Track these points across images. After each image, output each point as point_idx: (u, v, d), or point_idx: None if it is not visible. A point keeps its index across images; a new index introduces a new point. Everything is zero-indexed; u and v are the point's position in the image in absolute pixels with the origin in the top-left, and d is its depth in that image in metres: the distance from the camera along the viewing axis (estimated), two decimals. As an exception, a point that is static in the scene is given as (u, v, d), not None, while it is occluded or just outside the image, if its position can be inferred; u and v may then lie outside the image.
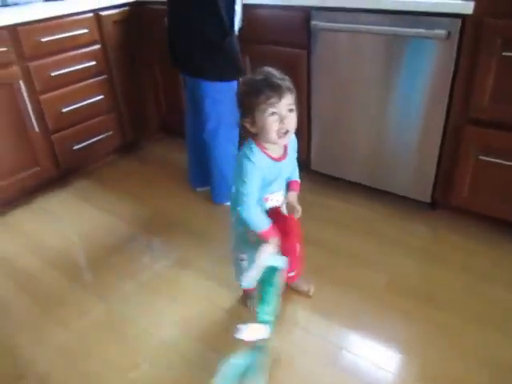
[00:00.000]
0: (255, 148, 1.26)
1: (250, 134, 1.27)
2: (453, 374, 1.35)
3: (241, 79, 1.29)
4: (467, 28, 1.60)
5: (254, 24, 2.09)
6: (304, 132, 2.19)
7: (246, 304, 1.62)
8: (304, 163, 2.25)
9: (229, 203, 2.19)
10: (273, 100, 1.17)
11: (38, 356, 1.50)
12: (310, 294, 1.66)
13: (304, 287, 1.67)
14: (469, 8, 1.55)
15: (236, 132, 2.09)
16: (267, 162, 1.28)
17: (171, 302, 1.68)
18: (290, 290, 1.68)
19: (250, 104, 1.20)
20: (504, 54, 1.54)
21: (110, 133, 2.55)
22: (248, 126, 1.24)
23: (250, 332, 1.20)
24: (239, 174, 1.27)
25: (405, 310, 1.58)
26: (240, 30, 1.97)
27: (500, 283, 1.66)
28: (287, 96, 1.19)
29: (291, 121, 1.21)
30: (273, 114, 1.19)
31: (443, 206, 2.01)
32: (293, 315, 1.61)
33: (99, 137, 2.50)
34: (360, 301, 1.63)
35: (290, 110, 1.21)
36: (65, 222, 2.22)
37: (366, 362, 1.41)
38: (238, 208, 1.31)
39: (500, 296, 1.61)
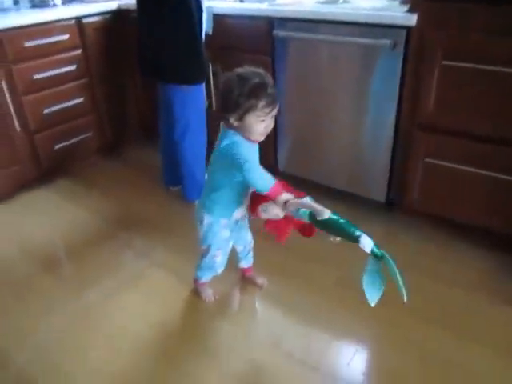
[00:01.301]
0: (240, 137, 1.32)
1: (230, 125, 1.31)
2: (393, 366, 1.44)
3: (231, 75, 1.28)
4: (412, 38, 1.71)
5: (225, 32, 2.21)
6: (270, 135, 2.29)
7: (202, 296, 1.73)
8: (271, 166, 2.36)
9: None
10: (267, 110, 1.27)
11: (13, 345, 1.58)
12: (264, 287, 1.76)
13: (259, 280, 1.78)
14: (412, 20, 1.67)
15: (204, 133, 2.21)
16: (251, 144, 1.35)
17: (145, 299, 1.76)
18: (246, 281, 1.79)
19: (244, 105, 1.24)
20: (444, 62, 1.65)
21: (90, 134, 2.67)
22: (232, 120, 1.28)
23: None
24: (237, 161, 1.28)
25: (353, 305, 1.66)
26: (205, 36, 2.08)
27: (443, 280, 1.76)
28: (277, 106, 1.30)
29: (272, 125, 1.34)
30: (263, 120, 1.29)
31: (398, 207, 2.12)
32: (248, 306, 1.72)
33: (79, 137, 2.62)
34: (311, 295, 1.73)
35: (273, 117, 1.32)
36: (46, 218, 2.32)
37: (316, 352, 1.50)
38: (248, 176, 1.29)
39: (442, 292, 1.70)
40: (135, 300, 1.75)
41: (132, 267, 1.93)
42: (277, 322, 1.62)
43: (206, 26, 2.11)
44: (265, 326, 1.61)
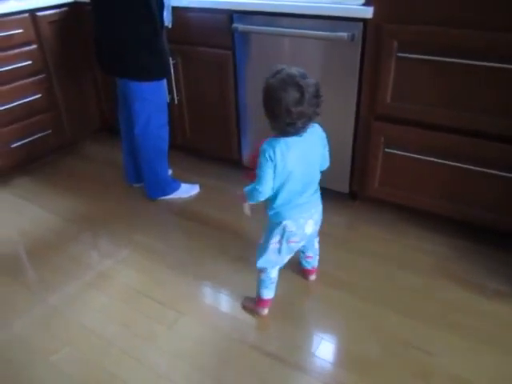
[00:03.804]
0: None
1: None
2: (356, 352, 1.48)
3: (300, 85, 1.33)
4: (369, 31, 1.74)
5: (184, 26, 2.18)
6: (233, 129, 2.30)
7: None
8: (235, 160, 2.36)
9: (162, 197, 2.29)
10: None
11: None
12: None
13: None
14: (368, 13, 1.69)
15: (166, 128, 2.18)
16: None
17: (111, 300, 1.72)
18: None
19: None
20: (399, 54, 1.68)
21: (49, 131, 2.59)
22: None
23: None
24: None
25: (324, 295, 1.70)
26: (166, 30, 2.05)
27: (406, 268, 1.80)
28: None
29: None
30: None
31: (362, 197, 2.15)
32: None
33: (38, 135, 2.53)
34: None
35: None
36: (4, 220, 2.24)
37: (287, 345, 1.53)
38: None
39: (406, 280, 1.75)
40: (101, 301, 1.72)
41: (96, 267, 1.89)
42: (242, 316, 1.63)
43: (166, 19, 2.07)
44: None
